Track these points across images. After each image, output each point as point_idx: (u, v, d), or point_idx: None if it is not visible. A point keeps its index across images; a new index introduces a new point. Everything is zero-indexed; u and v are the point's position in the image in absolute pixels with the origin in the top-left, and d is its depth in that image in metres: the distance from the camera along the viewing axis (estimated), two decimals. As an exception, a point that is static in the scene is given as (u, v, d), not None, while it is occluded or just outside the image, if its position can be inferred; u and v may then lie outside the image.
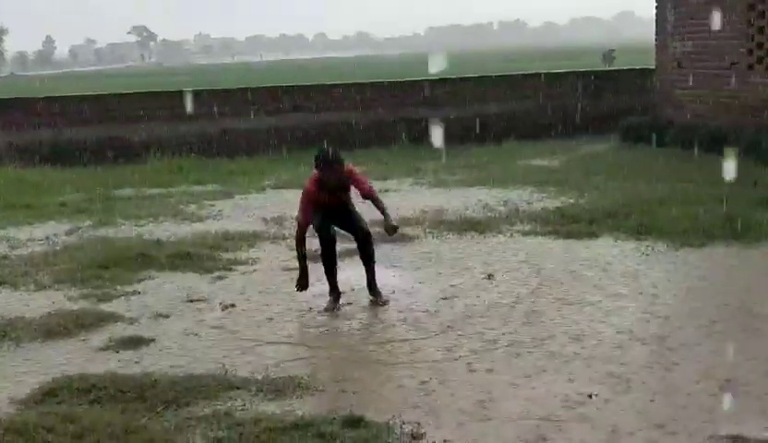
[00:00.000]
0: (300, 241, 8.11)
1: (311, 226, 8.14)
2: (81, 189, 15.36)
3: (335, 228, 8.30)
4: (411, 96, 21.43)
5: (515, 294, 8.13)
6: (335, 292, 8.23)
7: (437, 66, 18.47)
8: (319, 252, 8.25)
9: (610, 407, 5.53)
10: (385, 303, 8.12)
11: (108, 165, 18.29)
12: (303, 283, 8.19)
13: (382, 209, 8.22)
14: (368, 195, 8.23)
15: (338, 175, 8.03)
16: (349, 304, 8.13)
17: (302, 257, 8.13)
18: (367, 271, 8.30)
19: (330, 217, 8.22)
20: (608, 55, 53.45)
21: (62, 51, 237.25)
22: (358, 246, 8.37)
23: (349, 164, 8.18)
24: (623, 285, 8.33)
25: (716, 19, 16.65)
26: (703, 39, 17.47)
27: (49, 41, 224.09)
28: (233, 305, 8.12)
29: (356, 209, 8.42)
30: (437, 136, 18.23)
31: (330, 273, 8.24)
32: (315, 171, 8.09)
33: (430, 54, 20.14)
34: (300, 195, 8.16)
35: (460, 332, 7.13)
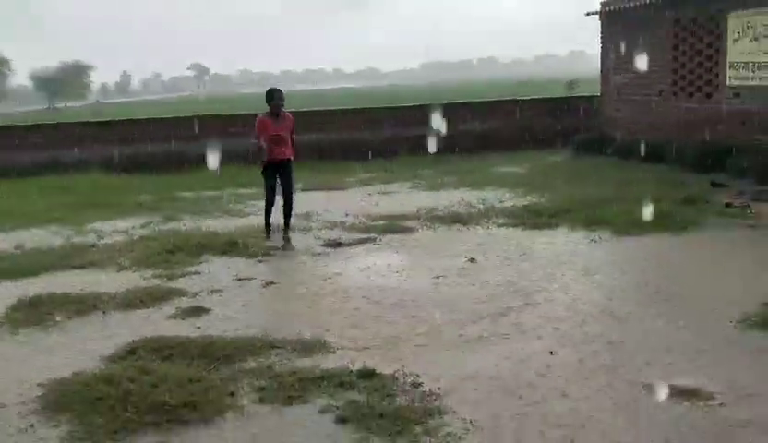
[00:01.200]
0: (257, 145, 9.67)
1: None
2: (152, 192, 15.33)
3: (277, 182, 9.84)
4: (409, 118, 21.39)
5: (492, 273, 8.13)
6: (268, 228, 10.06)
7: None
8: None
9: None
10: (292, 248, 9.50)
11: (172, 173, 18.24)
12: (262, 157, 9.69)
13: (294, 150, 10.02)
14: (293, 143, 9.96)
15: (280, 105, 9.69)
16: (358, 282, 8.12)
17: (258, 149, 9.63)
18: (286, 219, 9.98)
19: (275, 174, 9.85)
20: (571, 85, 53.63)
21: (135, 83, 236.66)
22: (284, 200, 9.91)
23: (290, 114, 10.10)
24: (575, 263, 8.33)
25: (646, 58, 16.67)
26: (637, 73, 17.42)
27: (125, 75, 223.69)
28: (272, 283, 8.13)
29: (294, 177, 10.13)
30: (431, 148, 18.34)
31: (267, 215, 10.03)
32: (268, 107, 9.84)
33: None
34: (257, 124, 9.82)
35: (450, 301, 7.14)
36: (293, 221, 10.28)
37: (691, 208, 10.90)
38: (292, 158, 9.96)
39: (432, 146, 18.24)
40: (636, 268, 8.27)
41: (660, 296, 7.10)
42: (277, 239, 9.96)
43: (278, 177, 9.86)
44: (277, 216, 10.18)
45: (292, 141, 9.96)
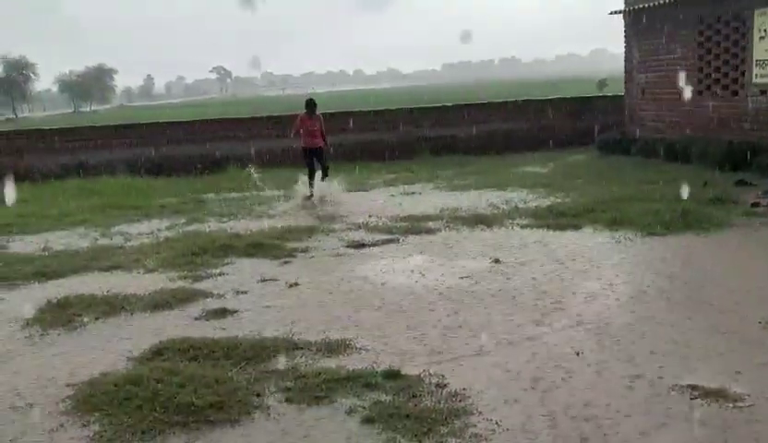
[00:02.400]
0: (296, 134, 14.14)
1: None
2: (177, 194, 15.46)
3: (314, 159, 13.93)
4: (431, 118, 21.38)
5: (517, 274, 8.10)
6: (311, 189, 13.82)
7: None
8: None
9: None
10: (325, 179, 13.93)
11: (196, 175, 18.39)
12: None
13: (325, 142, 14.16)
14: (323, 135, 14.04)
15: (313, 109, 13.97)
16: (382, 283, 8.12)
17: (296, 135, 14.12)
18: (323, 175, 13.90)
19: (311, 156, 13.95)
20: (602, 83, 53.69)
21: (159, 86, 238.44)
22: (321, 168, 13.87)
23: (320, 115, 14.17)
24: (600, 263, 8.28)
25: (671, 57, 16.54)
26: (662, 71, 17.30)
27: (149, 78, 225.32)
28: (296, 284, 8.15)
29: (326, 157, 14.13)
30: (452, 148, 18.27)
31: (310, 179, 13.89)
32: (305, 110, 13.97)
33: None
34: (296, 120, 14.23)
35: (476, 302, 7.13)
36: (326, 179, 14.10)
37: (717, 207, 10.80)
38: (322, 146, 14.05)
39: (453, 147, 18.26)
40: (661, 268, 8.19)
41: (686, 297, 7.03)
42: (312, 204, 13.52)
43: (313, 158, 13.91)
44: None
45: (323, 135, 14.03)
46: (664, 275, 7.84)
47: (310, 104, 14.04)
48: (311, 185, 13.85)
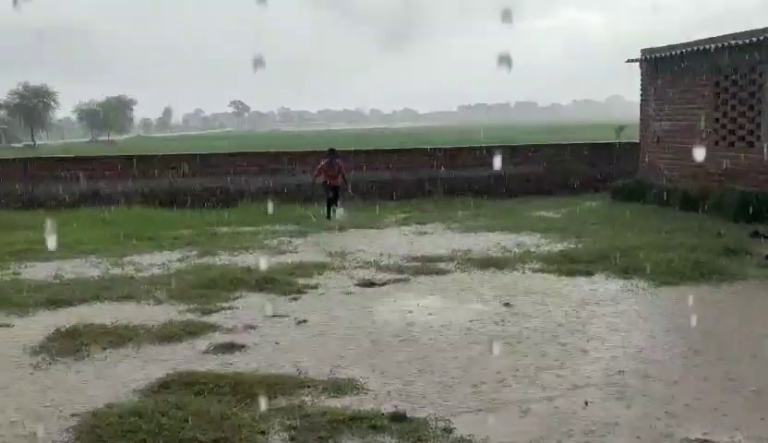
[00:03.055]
0: (316, 175, 16.74)
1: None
2: (190, 226, 15.48)
3: (330, 193, 16.33)
4: (446, 159, 21.46)
5: (527, 319, 8.05)
6: (328, 215, 16.11)
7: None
8: None
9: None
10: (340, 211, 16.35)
11: (210, 208, 18.43)
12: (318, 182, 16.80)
13: (344, 178, 16.77)
14: (342, 173, 16.59)
15: (334, 158, 16.37)
16: (391, 324, 8.09)
17: (316, 178, 16.80)
18: (336, 202, 16.36)
19: (330, 191, 16.30)
20: (620, 129, 54.09)
21: (177, 118, 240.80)
22: (335, 198, 16.41)
23: (341, 161, 16.71)
24: (613, 314, 8.22)
25: (687, 106, 16.60)
26: (678, 119, 17.34)
27: (167, 110, 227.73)
28: (305, 321, 8.13)
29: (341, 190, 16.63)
30: (467, 189, 18.30)
31: (328, 209, 16.21)
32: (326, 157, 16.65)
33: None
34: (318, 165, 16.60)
35: (485, 347, 7.08)
36: (340, 205, 16.57)
37: (731, 258, 10.73)
38: (339, 184, 16.57)
39: (467, 188, 18.30)
40: (674, 319, 8.13)
41: (697, 350, 6.95)
42: (333, 223, 15.65)
43: (331, 192, 16.37)
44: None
45: (343, 177, 16.66)
46: (676, 326, 7.77)
47: (331, 152, 16.75)
48: (329, 212, 16.28)
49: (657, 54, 17.80)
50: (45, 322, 8.10)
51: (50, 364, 6.79)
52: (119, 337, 7.46)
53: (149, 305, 8.94)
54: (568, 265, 10.66)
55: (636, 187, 18.25)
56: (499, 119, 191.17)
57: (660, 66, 17.93)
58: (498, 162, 20.35)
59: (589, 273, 10.17)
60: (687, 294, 9.01)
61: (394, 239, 13.71)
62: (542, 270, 10.49)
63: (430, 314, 8.32)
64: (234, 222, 16.07)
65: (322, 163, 16.60)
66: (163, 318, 8.17)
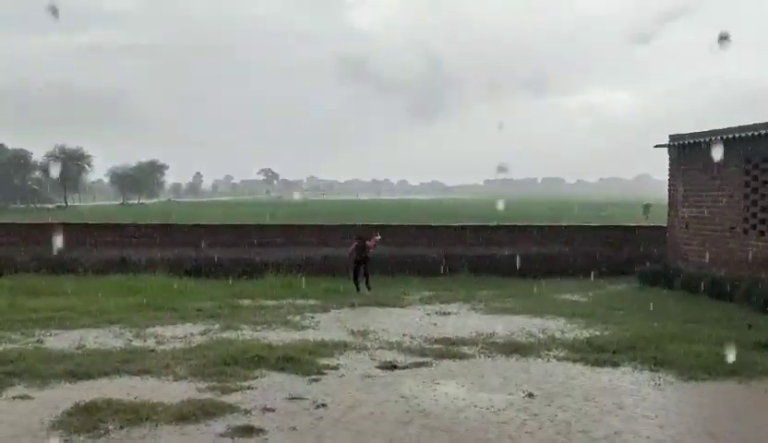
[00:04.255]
0: (352, 256, 17.51)
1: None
2: (214, 298, 15.47)
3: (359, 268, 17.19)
4: (472, 237, 21.45)
5: (550, 411, 7.86)
6: (357, 288, 16.99)
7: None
8: None
9: None
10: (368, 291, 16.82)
11: (235, 279, 18.44)
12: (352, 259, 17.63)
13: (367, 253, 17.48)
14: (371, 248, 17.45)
15: (364, 242, 17.24)
16: (411, 411, 7.93)
17: (350, 256, 17.64)
18: (366, 282, 17.14)
19: (358, 263, 17.23)
20: (647, 208, 54.98)
21: (207, 183, 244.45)
22: (365, 275, 17.23)
23: (366, 241, 17.38)
24: (636, 409, 8.00)
25: (716, 193, 16.50)
26: (707, 207, 17.23)
27: (198, 176, 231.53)
28: (324, 405, 8.00)
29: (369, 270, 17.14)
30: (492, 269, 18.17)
31: (355, 282, 17.09)
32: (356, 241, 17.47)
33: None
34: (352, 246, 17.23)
35: (506, 439, 6.91)
36: (370, 285, 17.09)
37: (762, 353, 10.46)
38: (366, 259, 17.30)
39: (492, 267, 18.20)
40: (701, 418, 7.90)
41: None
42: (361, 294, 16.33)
43: (359, 267, 17.26)
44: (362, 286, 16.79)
45: (367, 252, 17.39)
46: (703, 428, 7.53)
47: (360, 238, 17.82)
48: (358, 285, 17.12)
49: (685, 141, 17.80)
50: (65, 395, 8.09)
51: (66, 441, 6.72)
52: (137, 415, 7.40)
53: (169, 381, 8.88)
54: (594, 354, 10.44)
55: (664, 273, 18.04)
56: (526, 194, 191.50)
57: (689, 153, 17.91)
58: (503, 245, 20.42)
59: (615, 364, 9.95)
60: (715, 391, 8.78)
61: (418, 319, 13.59)
62: (567, 359, 10.29)
63: (452, 401, 8.17)
64: (258, 295, 16.06)
65: (353, 246, 17.62)
66: (182, 396, 8.10)
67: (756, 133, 15.05)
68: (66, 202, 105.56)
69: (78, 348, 10.55)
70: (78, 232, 20.70)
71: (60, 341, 11.06)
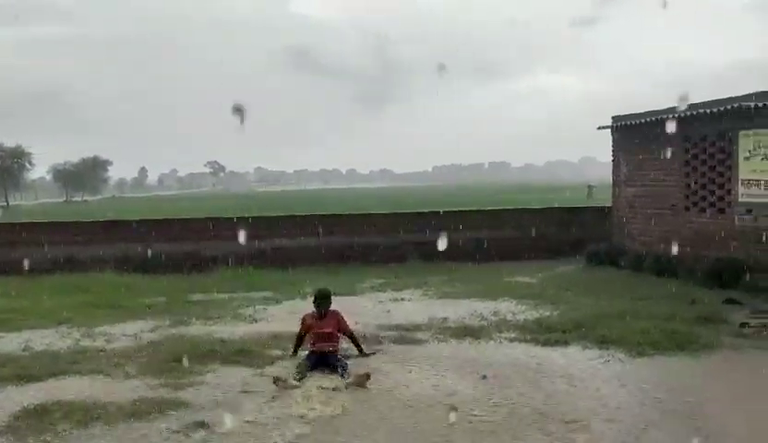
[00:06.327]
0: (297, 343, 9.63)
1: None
2: (164, 294, 15.25)
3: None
4: (421, 223, 21.51)
5: (504, 393, 7.95)
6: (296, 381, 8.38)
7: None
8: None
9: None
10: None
11: (184, 275, 18.20)
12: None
13: (358, 345, 9.67)
14: (349, 334, 9.64)
15: (326, 306, 9.47)
16: (365, 399, 7.95)
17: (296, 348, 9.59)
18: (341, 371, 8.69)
19: (315, 363, 8.92)
20: (590, 190, 55.87)
21: (152, 178, 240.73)
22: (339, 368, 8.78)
23: (337, 310, 9.63)
24: (588, 385, 8.16)
25: (658, 172, 16.87)
26: (650, 186, 17.59)
27: (143, 170, 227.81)
28: (277, 396, 7.89)
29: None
30: (441, 254, 18.19)
31: (300, 372, 8.59)
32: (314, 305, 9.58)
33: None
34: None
35: (464, 422, 6.98)
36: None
37: (706, 326, 10.76)
38: (335, 350, 9.14)
39: (442, 252, 18.26)
40: (652, 392, 8.06)
41: (677, 426, 6.91)
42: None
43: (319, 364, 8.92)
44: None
45: (351, 336, 9.67)
46: (653, 400, 7.71)
47: (321, 298, 9.49)
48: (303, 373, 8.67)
49: (627, 122, 18.12)
50: (12, 398, 7.89)
51: (15, 446, 6.57)
52: (88, 415, 7.26)
53: (120, 379, 8.70)
54: (545, 334, 10.59)
55: (610, 252, 18.38)
56: (473, 179, 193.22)
57: (630, 133, 18.24)
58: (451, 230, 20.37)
59: (565, 343, 10.10)
60: (664, 365, 9.01)
61: (371, 306, 13.60)
62: (518, 340, 10.42)
63: (406, 386, 8.22)
64: (209, 290, 15.87)
65: (304, 322, 9.53)
66: (134, 394, 7.97)
67: (694, 112, 15.40)
68: (7, 202, 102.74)
69: (24, 350, 10.28)
70: (22, 231, 20.19)
71: (5, 343, 10.77)
